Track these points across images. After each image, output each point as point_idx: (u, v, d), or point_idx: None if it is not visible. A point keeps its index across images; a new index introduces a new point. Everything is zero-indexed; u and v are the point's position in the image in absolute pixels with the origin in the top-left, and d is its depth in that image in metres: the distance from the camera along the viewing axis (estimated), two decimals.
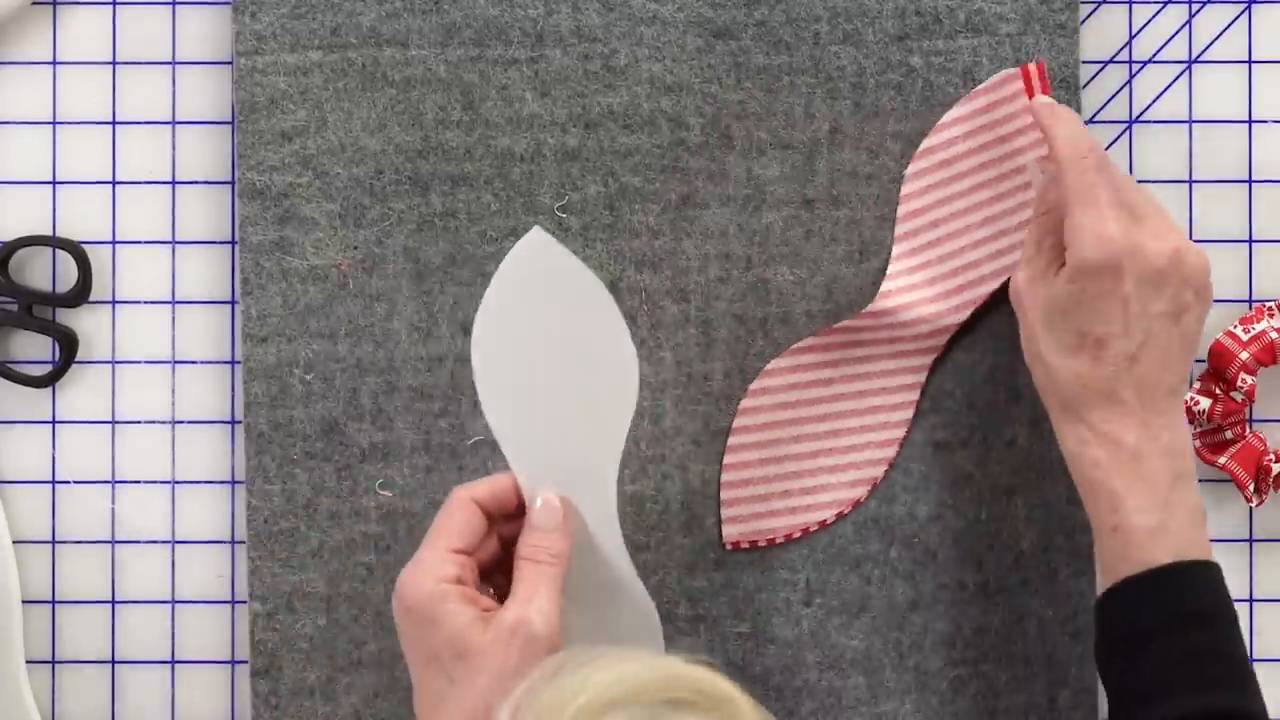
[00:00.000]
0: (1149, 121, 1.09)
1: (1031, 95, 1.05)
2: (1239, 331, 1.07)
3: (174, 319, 1.09)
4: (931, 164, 1.06)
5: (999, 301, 1.06)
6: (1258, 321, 1.07)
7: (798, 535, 1.07)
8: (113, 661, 1.09)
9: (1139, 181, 1.09)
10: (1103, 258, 0.96)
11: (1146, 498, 0.95)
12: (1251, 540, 1.09)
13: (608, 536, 0.97)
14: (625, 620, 0.99)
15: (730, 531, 1.07)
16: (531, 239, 0.96)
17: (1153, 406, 0.97)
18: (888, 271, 1.06)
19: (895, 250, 1.06)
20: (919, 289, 1.06)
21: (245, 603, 1.08)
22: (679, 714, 0.74)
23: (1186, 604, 0.95)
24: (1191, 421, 1.07)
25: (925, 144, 1.06)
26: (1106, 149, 1.09)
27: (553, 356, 0.97)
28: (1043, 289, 0.98)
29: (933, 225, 1.06)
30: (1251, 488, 1.07)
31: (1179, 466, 0.96)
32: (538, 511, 0.95)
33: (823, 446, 1.07)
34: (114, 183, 1.09)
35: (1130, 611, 0.95)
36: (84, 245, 1.08)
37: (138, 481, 1.09)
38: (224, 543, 1.09)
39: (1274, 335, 1.06)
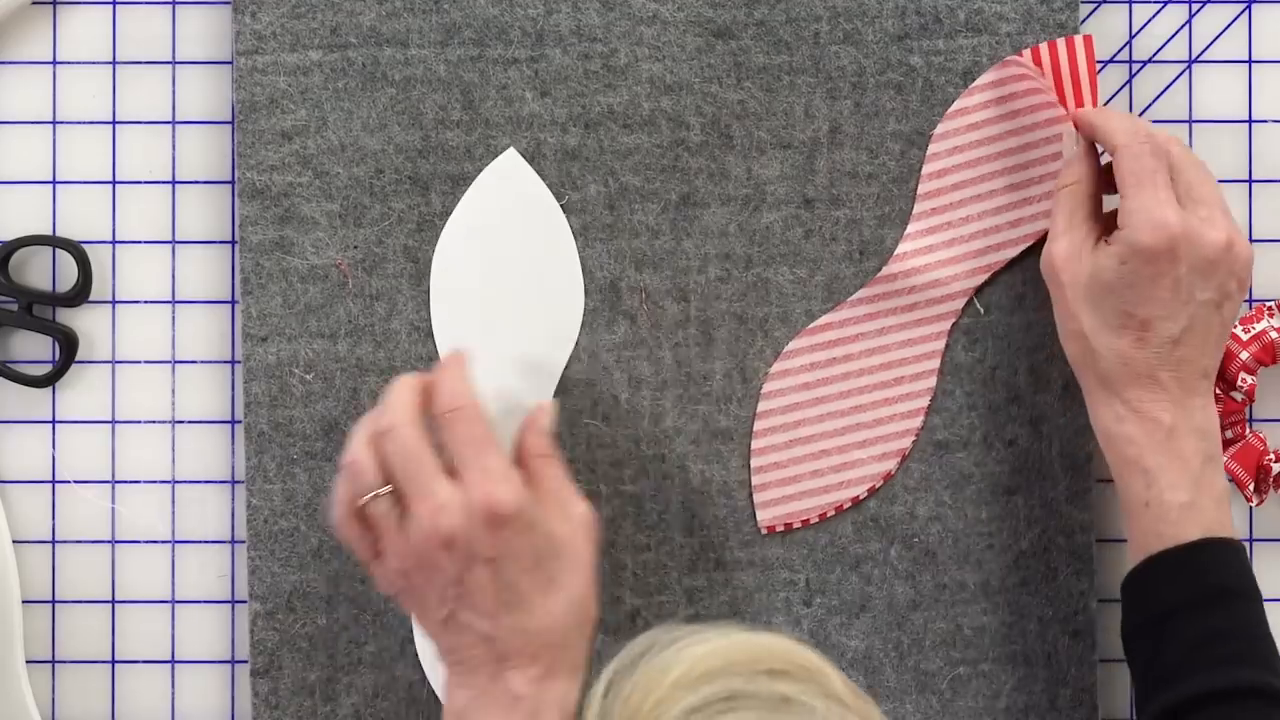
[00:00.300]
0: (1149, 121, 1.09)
1: (1075, 70, 1.05)
2: (1239, 331, 1.07)
3: (174, 319, 1.09)
4: (960, 126, 1.06)
5: (1014, 266, 1.07)
6: (1258, 321, 1.07)
7: (831, 514, 1.07)
8: (113, 661, 1.09)
9: None
10: (1160, 243, 0.97)
11: (1180, 475, 0.96)
12: (1251, 540, 1.09)
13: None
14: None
15: (764, 516, 1.07)
16: (507, 158, 1.04)
17: (1189, 388, 0.98)
18: (906, 231, 1.06)
19: (916, 209, 1.06)
20: (938, 250, 1.06)
21: (245, 603, 1.08)
22: (775, 683, 0.75)
23: (1214, 580, 0.95)
24: None
25: (956, 105, 1.06)
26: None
27: (507, 278, 1.05)
28: (1083, 264, 0.99)
29: (956, 187, 1.06)
30: (1251, 488, 1.07)
31: (1210, 448, 0.98)
32: (545, 415, 0.98)
33: (849, 423, 1.07)
34: (114, 182, 1.09)
35: (1159, 587, 0.96)
36: (84, 245, 1.08)
37: (138, 481, 1.09)
38: (224, 543, 1.09)
39: (1274, 335, 1.06)
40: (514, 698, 0.93)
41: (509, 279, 1.06)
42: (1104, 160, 1.03)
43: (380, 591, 0.96)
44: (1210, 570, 0.96)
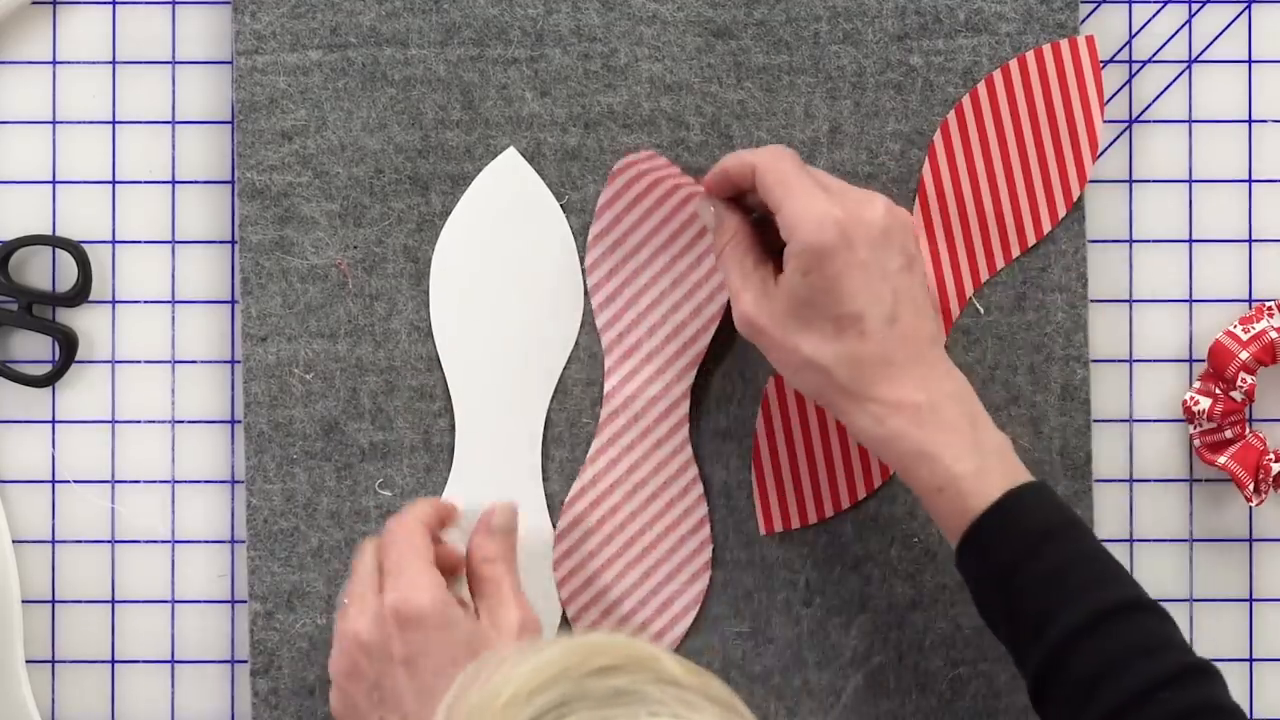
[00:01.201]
0: (1149, 121, 1.09)
1: (1080, 71, 1.06)
2: (1239, 331, 1.07)
3: (174, 319, 1.09)
4: (605, 248, 1.06)
5: (1014, 266, 1.07)
6: (1258, 321, 1.07)
7: (831, 514, 1.07)
8: (113, 661, 1.09)
9: (1138, 182, 1.09)
10: (829, 236, 0.95)
11: (959, 445, 0.95)
12: (1251, 540, 1.09)
13: (527, 461, 1.03)
14: (525, 546, 1.04)
15: (764, 516, 1.07)
16: (507, 158, 1.04)
17: (923, 359, 0.97)
18: (605, 367, 1.06)
19: (605, 341, 1.06)
20: (641, 371, 1.06)
21: (245, 603, 1.08)
22: (607, 679, 0.74)
23: (1035, 525, 0.94)
24: (1191, 421, 1.07)
25: (592, 231, 1.06)
26: (1106, 149, 1.09)
27: (507, 277, 1.04)
28: (775, 300, 0.97)
29: (628, 305, 1.06)
30: (1251, 487, 1.07)
31: (970, 408, 0.97)
32: (498, 515, 1.01)
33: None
34: (114, 182, 1.09)
35: (988, 554, 0.95)
36: (84, 245, 1.08)
37: (138, 481, 1.09)
38: (224, 543, 1.09)
39: (1274, 335, 1.06)
40: None
41: (508, 279, 1.06)
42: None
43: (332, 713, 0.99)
44: (1027, 517, 0.95)
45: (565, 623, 1.07)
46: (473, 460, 1.06)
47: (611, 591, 1.06)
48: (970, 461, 0.95)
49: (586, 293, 1.06)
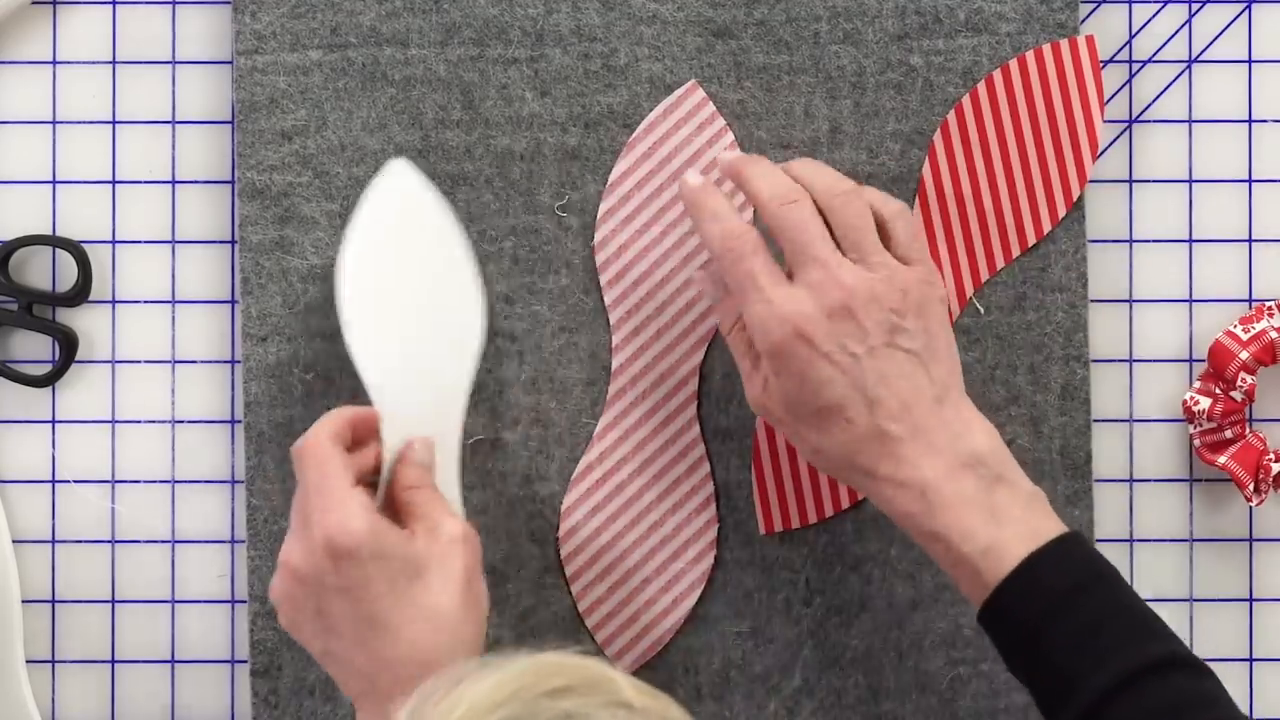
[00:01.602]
0: (1149, 121, 1.09)
1: (1080, 71, 1.06)
2: (1239, 331, 1.07)
3: (174, 319, 1.09)
4: (614, 224, 1.06)
5: (1014, 266, 1.06)
6: (1258, 321, 1.07)
7: (831, 514, 1.07)
8: (113, 661, 1.09)
9: (1138, 182, 1.09)
10: (782, 336, 0.94)
11: (970, 521, 0.93)
12: (1251, 540, 1.09)
13: (449, 470, 1.01)
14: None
15: (764, 516, 1.07)
16: (393, 169, 1.02)
17: (924, 430, 0.95)
18: (613, 344, 1.06)
19: (613, 319, 1.06)
20: (650, 347, 1.06)
21: (245, 603, 1.08)
22: (558, 700, 0.74)
23: (1062, 583, 0.92)
24: (1191, 421, 1.07)
25: (601, 208, 1.06)
26: (1106, 149, 1.09)
27: (407, 288, 1.02)
28: (773, 394, 0.96)
29: (636, 283, 1.07)
30: (1251, 487, 1.07)
31: (988, 468, 0.94)
32: (419, 448, 0.99)
33: None
34: (114, 182, 1.09)
35: (1009, 617, 0.93)
36: (84, 245, 1.08)
37: (138, 481, 1.09)
38: (224, 543, 1.09)
39: (1274, 335, 1.06)
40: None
41: (408, 296, 1.02)
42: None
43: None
44: (1046, 579, 0.92)
45: (577, 614, 1.07)
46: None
47: (617, 568, 1.06)
48: (982, 538, 0.93)
49: (490, 302, 1.04)
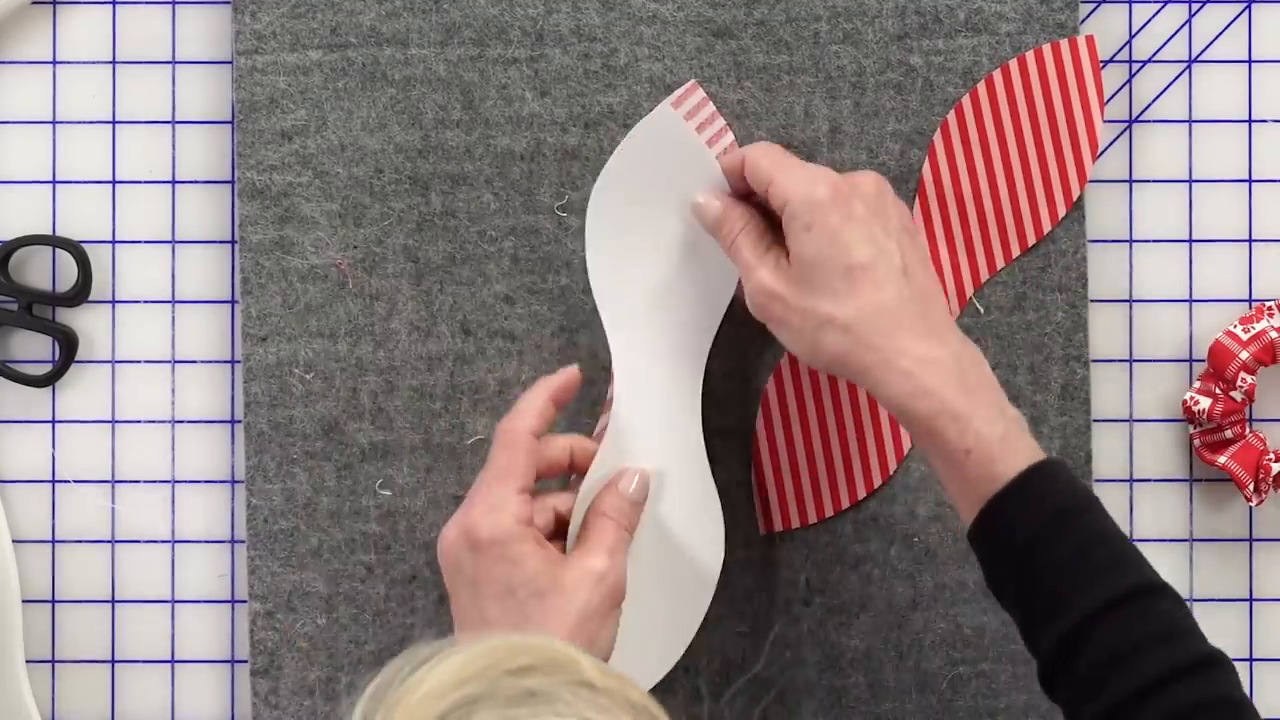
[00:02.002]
0: (1149, 121, 1.09)
1: (1080, 71, 1.06)
2: (1239, 331, 1.07)
3: (174, 319, 1.09)
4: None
5: (1014, 266, 1.07)
6: (1258, 321, 1.07)
7: (831, 514, 1.07)
8: (113, 661, 1.09)
9: (1138, 182, 1.09)
10: (823, 189, 0.96)
11: (987, 408, 0.94)
12: (1251, 540, 1.09)
13: (689, 421, 1.04)
14: (689, 520, 1.05)
15: (764, 516, 1.07)
16: (661, 112, 1.03)
17: (943, 321, 0.96)
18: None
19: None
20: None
21: (245, 603, 1.08)
22: (521, 679, 0.75)
23: (1057, 503, 0.93)
24: (1191, 421, 1.07)
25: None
26: (1106, 149, 1.09)
27: (663, 229, 1.03)
28: (788, 271, 0.97)
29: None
30: (1251, 487, 1.07)
31: (990, 376, 0.96)
32: (632, 484, 1.01)
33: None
34: (114, 182, 1.09)
35: (1010, 527, 0.93)
36: (84, 245, 1.08)
37: (138, 481, 1.09)
38: (224, 543, 1.09)
39: (1274, 335, 1.06)
40: None
41: (664, 233, 1.05)
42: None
43: None
44: (1048, 495, 0.93)
45: None
46: (630, 414, 1.05)
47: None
48: (999, 425, 0.94)
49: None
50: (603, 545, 0.98)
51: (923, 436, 0.95)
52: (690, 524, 1.05)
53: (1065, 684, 0.92)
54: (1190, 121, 1.09)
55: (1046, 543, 0.92)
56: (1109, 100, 1.09)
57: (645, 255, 1.05)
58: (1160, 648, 0.91)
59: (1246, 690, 1.08)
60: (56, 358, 1.08)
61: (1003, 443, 0.93)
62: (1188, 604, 0.93)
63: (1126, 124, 1.09)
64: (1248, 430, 1.07)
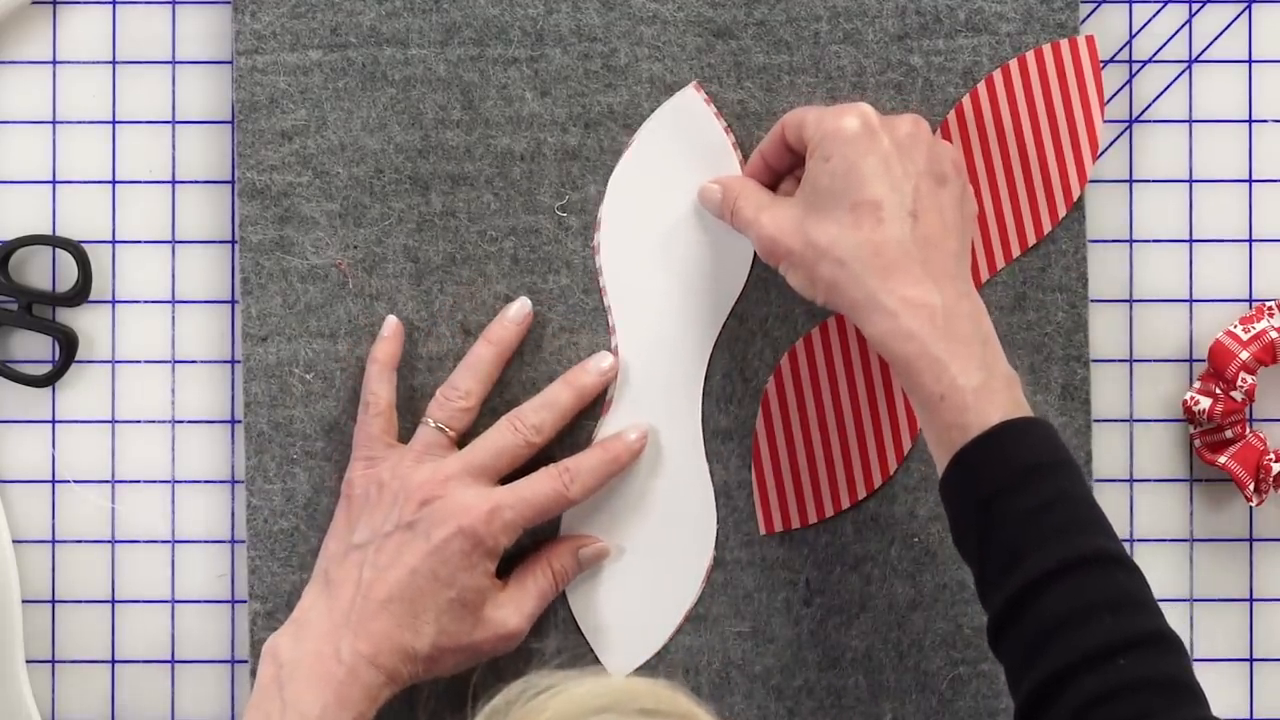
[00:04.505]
0: (1149, 121, 1.09)
1: (1080, 71, 1.06)
2: (1239, 331, 1.07)
3: (174, 319, 1.09)
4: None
5: (1014, 266, 1.07)
6: (1258, 321, 1.07)
7: (831, 514, 1.07)
8: (113, 661, 1.09)
9: (1138, 182, 1.09)
10: (853, 124, 0.97)
11: (966, 359, 0.94)
12: (1251, 540, 1.09)
13: (688, 420, 1.06)
14: (681, 519, 1.06)
15: (764, 516, 1.07)
16: (686, 95, 1.05)
17: (943, 269, 0.96)
18: (612, 344, 1.07)
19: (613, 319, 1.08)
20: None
21: (245, 603, 1.08)
22: None
23: (1026, 458, 0.93)
24: (1191, 421, 1.07)
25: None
26: (1106, 149, 1.09)
27: (675, 225, 1.06)
28: (793, 205, 0.99)
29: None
30: (1251, 487, 1.07)
31: (985, 330, 0.96)
32: (589, 553, 1.06)
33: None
34: (114, 182, 1.09)
35: (975, 478, 0.93)
36: (84, 245, 1.08)
37: (138, 481, 1.09)
38: (224, 543, 1.09)
39: (1274, 335, 1.06)
40: (336, 659, 0.98)
41: (678, 221, 1.06)
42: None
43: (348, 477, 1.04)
44: (1021, 450, 0.93)
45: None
46: (634, 400, 1.06)
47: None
48: (976, 376, 0.94)
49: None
50: (529, 601, 1.03)
51: (903, 378, 0.96)
52: (683, 522, 1.06)
53: (1010, 648, 0.92)
54: (1190, 121, 1.09)
55: (1008, 496, 0.92)
56: (1109, 100, 1.09)
57: (655, 249, 1.06)
58: (1107, 617, 0.89)
59: (1247, 691, 1.08)
60: (56, 358, 1.08)
61: (978, 393, 0.93)
62: (1148, 579, 0.92)
63: (1126, 124, 1.09)
64: (1248, 430, 1.07)
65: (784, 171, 1.04)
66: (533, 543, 1.05)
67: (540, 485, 1.02)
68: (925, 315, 0.95)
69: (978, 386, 0.93)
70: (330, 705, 0.96)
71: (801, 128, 1.00)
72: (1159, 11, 1.09)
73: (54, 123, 1.09)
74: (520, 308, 1.05)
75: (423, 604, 0.99)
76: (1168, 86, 1.09)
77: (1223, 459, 1.06)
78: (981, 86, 1.07)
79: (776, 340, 1.07)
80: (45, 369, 1.08)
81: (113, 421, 1.09)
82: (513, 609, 1.02)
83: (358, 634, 0.98)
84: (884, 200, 0.96)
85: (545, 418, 1.04)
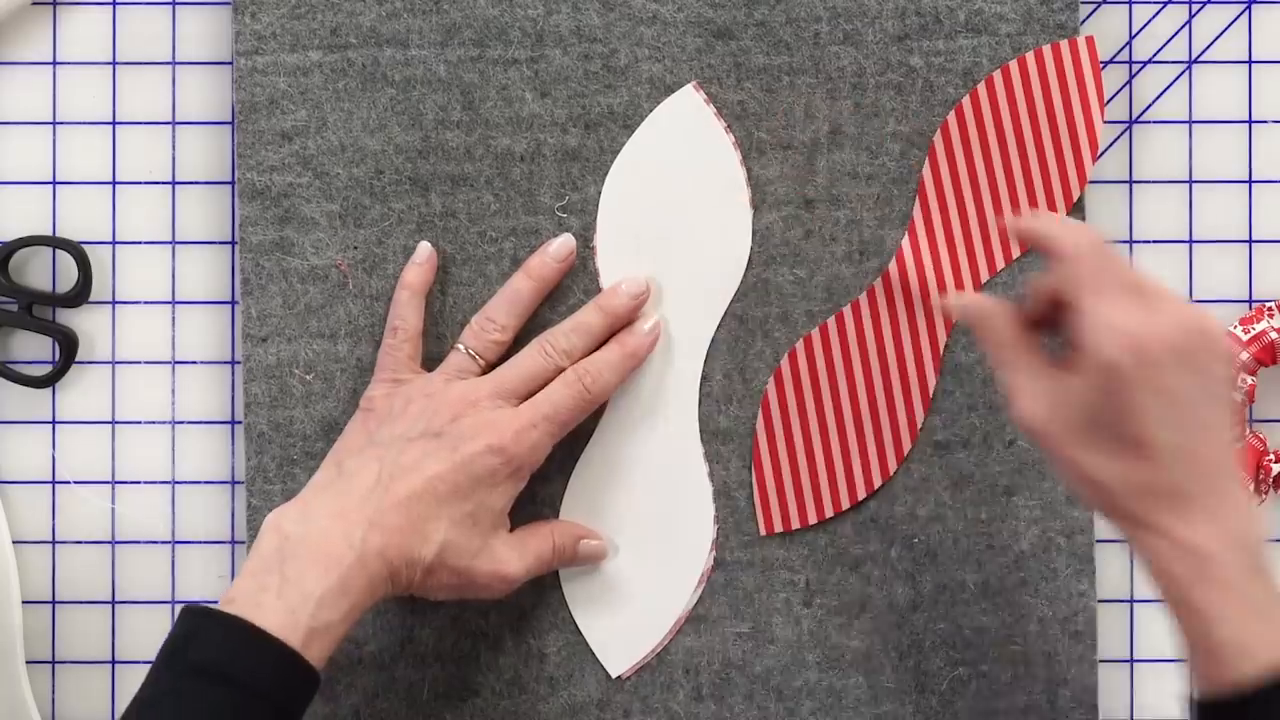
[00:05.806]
0: (1149, 121, 1.09)
1: (1080, 72, 1.06)
2: (1239, 331, 1.07)
3: (174, 319, 1.09)
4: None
5: (1014, 266, 1.07)
6: (1258, 321, 1.07)
7: (831, 514, 1.07)
8: (113, 661, 1.09)
9: (1138, 182, 1.09)
10: (1129, 353, 0.88)
11: (1232, 606, 0.87)
12: None
13: (685, 419, 1.06)
14: (679, 519, 1.07)
15: (764, 517, 1.07)
16: (685, 94, 1.05)
17: (1216, 492, 0.88)
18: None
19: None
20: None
21: None
22: None
23: None
24: None
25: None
26: (1106, 149, 1.09)
27: (672, 214, 1.06)
28: (1065, 409, 0.90)
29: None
30: (1251, 488, 1.07)
31: (1254, 558, 0.88)
32: (589, 548, 1.06)
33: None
34: (114, 183, 1.09)
35: None
36: (84, 245, 1.08)
37: (138, 481, 1.09)
38: (224, 543, 1.09)
39: (1274, 335, 1.06)
40: (347, 543, 0.96)
41: (674, 219, 1.07)
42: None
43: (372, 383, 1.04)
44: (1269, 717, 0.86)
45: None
46: (631, 400, 1.07)
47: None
48: (1236, 626, 0.87)
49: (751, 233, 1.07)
50: (529, 556, 1.03)
51: (1170, 611, 0.89)
52: (680, 523, 1.06)
53: None
54: (1190, 122, 1.09)
55: None
56: (1109, 101, 1.09)
57: (651, 247, 1.06)
58: None
59: None
60: (56, 358, 1.08)
61: (1239, 649, 0.86)
62: None
63: (1126, 124, 1.09)
64: (1248, 430, 1.07)
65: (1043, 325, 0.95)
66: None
67: (560, 395, 1.02)
68: (1192, 563, 0.87)
69: (1237, 642, 0.86)
70: (332, 589, 0.94)
71: (1076, 307, 0.90)
72: (1159, 12, 1.09)
73: (54, 123, 1.09)
74: (564, 244, 1.05)
75: (438, 511, 0.98)
76: (1168, 87, 1.09)
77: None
78: (981, 87, 1.07)
79: (776, 340, 1.07)
80: (45, 370, 1.08)
81: (113, 422, 1.09)
82: (516, 555, 1.02)
83: (372, 523, 0.96)
84: (1155, 439, 0.88)
85: (575, 342, 1.03)
